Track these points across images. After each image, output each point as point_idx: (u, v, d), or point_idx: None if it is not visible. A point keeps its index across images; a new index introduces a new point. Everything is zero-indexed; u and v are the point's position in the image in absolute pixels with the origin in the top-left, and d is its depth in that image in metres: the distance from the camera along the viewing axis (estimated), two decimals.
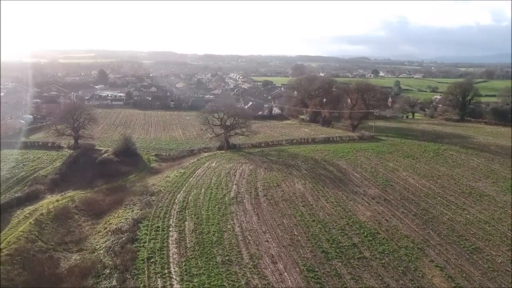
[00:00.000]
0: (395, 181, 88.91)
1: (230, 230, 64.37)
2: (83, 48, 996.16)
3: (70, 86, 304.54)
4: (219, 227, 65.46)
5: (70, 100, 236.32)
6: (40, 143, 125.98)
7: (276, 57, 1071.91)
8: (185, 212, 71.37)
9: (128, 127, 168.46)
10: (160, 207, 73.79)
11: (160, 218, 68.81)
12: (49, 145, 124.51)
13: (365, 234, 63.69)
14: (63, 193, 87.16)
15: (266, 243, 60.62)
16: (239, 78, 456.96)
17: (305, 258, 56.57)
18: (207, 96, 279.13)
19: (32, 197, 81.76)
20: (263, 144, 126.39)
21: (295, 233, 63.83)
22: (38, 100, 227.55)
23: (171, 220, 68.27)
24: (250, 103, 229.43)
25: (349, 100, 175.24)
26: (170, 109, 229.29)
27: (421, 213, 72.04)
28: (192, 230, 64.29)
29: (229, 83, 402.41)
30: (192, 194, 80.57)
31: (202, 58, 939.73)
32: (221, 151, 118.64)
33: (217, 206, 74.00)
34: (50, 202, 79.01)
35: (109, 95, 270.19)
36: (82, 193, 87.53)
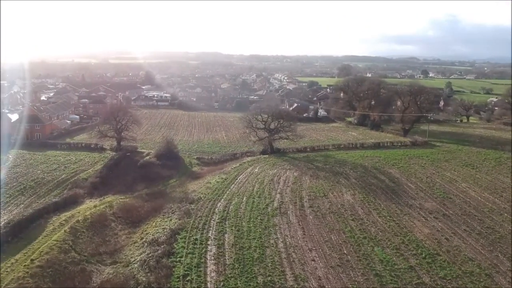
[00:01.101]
0: (454, 193, 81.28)
1: (273, 246, 59.36)
2: (134, 49, 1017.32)
3: (118, 86, 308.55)
4: (261, 241, 60.57)
5: (116, 100, 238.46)
6: (83, 145, 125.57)
7: (322, 57, 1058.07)
8: (225, 223, 66.97)
9: (172, 129, 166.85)
10: (199, 217, 69.74)
11: (199, 230, 64.69)
12: (92, 146, 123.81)
13: (423, 255, 57.05)
14: (102, 198, 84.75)
15: (313, 262, 55.18)
16: (284, 78, 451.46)
17: (356, 282, 50.78)
18: (252, 97, 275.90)
19: (70, 202, 79.62)
20: (308, 149, 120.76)
21: (345, 251, 58.04)
22: (86, 100, 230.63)
23: (210, 232, 64.01)
24: (295, 104, 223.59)
25: (398, 102, 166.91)
26: (214, 110, 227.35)
27: (486, 232, 64.51)
28: (232, 244, 59.73)
29: (274, 83, 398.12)
30: (233, 203, 76.17)
31: (248, 58, 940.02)
32: (265, 156, 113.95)
33: (259, 217, 69.20)
34: (87, 207, 76.62)
35: (155, 95, 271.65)
36: (121, 198, 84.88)
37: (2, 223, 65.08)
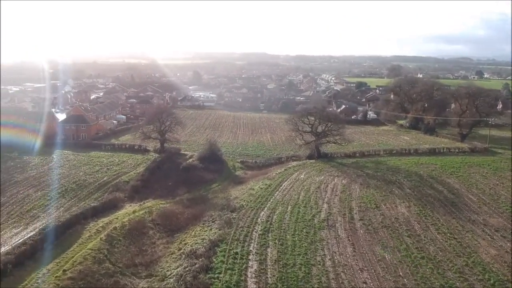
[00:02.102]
0: None
1: (319, 264, 54.18)
2: (181, 50, 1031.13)
3: (165, 86, 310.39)
4: (306, 258, 55.50)
5: (163, 101, 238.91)
6: (127, 146, 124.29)
7: (370, 57, 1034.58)
8: (268, 236, 62.33)
9: (216, 130, 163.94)
10: (240, 227, 65.47)
11: (240, 242, 60.36)
12: (135, 148, 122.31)
13: (492, 281, 50.31)
14: (142, 202, 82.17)
15: (364, 285, 49.65)
16: (331, 79, 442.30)
17: None
18: (298, 98, 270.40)
19: (109, 207, 77.39)
20: (357, 154, 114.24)
21: (400, 273, 52.07)
22: (134, 100, 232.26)
23: (252, 245, 59.54)
24: (343, 106, 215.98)
25: (452, 104, 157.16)
26: (259, 111, 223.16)
27: None
28: (275, 260, 54.98)
29: (321, 84, 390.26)
30: (277, 212, 71.43)
31: (294, 59, 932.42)
32: (311, 161, 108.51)
33: (304, 230, 64.14)
34: (126, 213, 74.02)
35: (201, 96, 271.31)
36: (162, 203, 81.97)
37: (38, 229, 63.19)
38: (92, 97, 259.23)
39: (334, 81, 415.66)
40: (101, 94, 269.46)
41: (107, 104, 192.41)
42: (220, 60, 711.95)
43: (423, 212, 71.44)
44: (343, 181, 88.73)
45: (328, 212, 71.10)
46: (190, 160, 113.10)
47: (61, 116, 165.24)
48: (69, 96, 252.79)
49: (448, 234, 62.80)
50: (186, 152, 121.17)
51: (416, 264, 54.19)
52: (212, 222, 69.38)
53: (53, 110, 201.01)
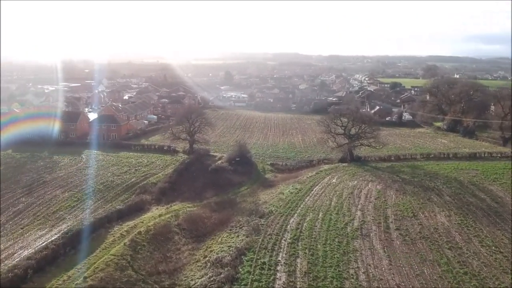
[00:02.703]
0: None
1: (352, 278, 50.57)
2: (215, 50, 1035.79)
3: (197, 86, 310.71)
4: (338, 271, 51.97)
5: (194, 101, 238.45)
6: (156, 146, 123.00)
7: (404, 57, 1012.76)
8: (297, 245, 59.03)
9: (247, 131, 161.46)
10: (269, 235, 62.41)
11: (268, 251, 57.29)
12: (164, 148, 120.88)
13: None
14: (169, 205, 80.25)
15: None
16: (364, 79, 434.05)
17: None
18: (330, 98, 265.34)
19: (135, 209, 75.70)
20: (393, 158, 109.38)
21: None
22: (166, 100, 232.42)
23: (281, 254, 56.36)
24: (377, 107, 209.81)
25: (493, 106, 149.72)
26: (291, 112, 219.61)
27: None
28: (305, 272, 51.66)
29: (354, 84, 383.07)
30: (308, 219, 68.01)
31: (327, 59, 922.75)
32: (344, 164, 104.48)
33: (337, 239, 60.54)
34: (152, 216, 72.08)
35: (233, 96, 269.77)
36: (189, 207, 79.83)
37: (62, 232, 61.83)
38: (125, 97, 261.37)
39: (368, 81, 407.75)
40: (134, 93, 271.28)
41: (138, 104, 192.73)
42: (252, 60, 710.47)
43: (465, 222, 66.67)
44: (377, 186, 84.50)
45: (362, 220, 67.23)
46: (219, 162, 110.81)
47: (93, 116, 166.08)
48: (102, 96, 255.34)
49: (493, 248, 58.06)
50: (215, 154, 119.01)
51: (458, 280, 49.93)
52: (240, 228, 66.57)
53: (86, 109, 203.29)
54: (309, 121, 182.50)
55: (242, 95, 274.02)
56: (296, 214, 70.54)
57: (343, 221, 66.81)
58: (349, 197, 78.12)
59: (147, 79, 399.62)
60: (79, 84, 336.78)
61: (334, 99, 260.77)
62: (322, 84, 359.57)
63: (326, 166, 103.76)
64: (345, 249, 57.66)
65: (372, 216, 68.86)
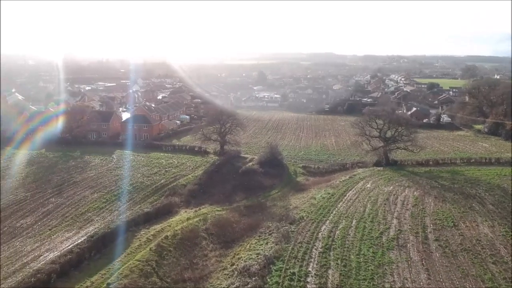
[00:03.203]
0: None
1: None
2: (249, 50, 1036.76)
3: (230, 86, 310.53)
4: (373, 284, 48.82)
5: (227, 101, 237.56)
6: (187, 147, 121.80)
7: (442, 57, 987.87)
8: (329, 254, 56.04)
9: (279, 132, 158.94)
10: (299, 243, 59.65)
11: (298, 260, 54.57)
12: (195, 149, 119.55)
13: None
14: (197, 208, 78.54)
15: None
16: (400, 80, 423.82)
17: None
18: (365, 99, 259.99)
19: (163, 212, 74.24)
20: (431, 162, 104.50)
21: None
22: (198, 100, 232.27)
23: (311, 265, 53.55)
24: (414, 108, 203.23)
25: None
26: (324, 113, 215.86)
27: None
28: (337, 285, 48.76)
29: (389, 85, 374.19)
30: (341, 227, 64.88)
31: (362, 59, 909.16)
32: (379, 168, 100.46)
33: (371, 250, 57.22)
34: (180, 220, 70.45)
35: (265, 96, 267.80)
36: (218, 210, 77.87)
37: (88, 234, 60.87)
38: (159, 96, 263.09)
39: (404, 81, 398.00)
40: (168, 93, 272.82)
41: (171, 104, 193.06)
42: (286, 61, 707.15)
43: (510, 233, 62.13)
44: (415, 193, 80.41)
45: (398, 229, 63.61)
46: (250, 163, 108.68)
47: (125, 115, 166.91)
48: (136, 95, 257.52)
49: None
50: (246, 155, 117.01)
51: None
52: (269, 234, 64.04)
53: (120, 109, 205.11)
54: (342, 123, 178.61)
55: (275, 95, 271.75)
56: (328, 221, 67.50)
57: (378, 230, 63.38)
58: (385, 204, 74.48)
59: (181, 79, 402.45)
60: (115, 84, 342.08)
61: (368, 100, 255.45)
62: (356, 84, 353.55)
63: (360, 170, 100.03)
64: (380, 260, 54.34)
65: (409, 225, 65.11)
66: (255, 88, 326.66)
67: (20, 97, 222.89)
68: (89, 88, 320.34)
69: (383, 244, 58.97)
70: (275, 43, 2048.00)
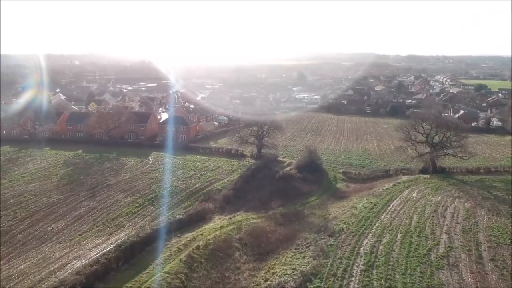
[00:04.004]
0: None
1: None
2: (289, 50, 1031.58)
3: (269, 87, 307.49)
4: None
5: (266, 102, 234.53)
6: (224, 150, 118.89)
7: (490, 57, 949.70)
8: (372, 273, 51.31)
9: (318, 135, 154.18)
10: (339, 258, 55.18)
11: (337, 279, 50.18)
12: (232, 152, 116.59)
13: None
14: (232, 215, 75.23)
15: None
16: (446, 81, 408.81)
17: None
18: (409, 101, 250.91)
19: (196, 219, 71.34)
20: (482, 170, 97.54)
21: None
22: (238, 100, 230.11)
23: (352, 284, 49.01)
24: (461, 111, 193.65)
25: None
26: (366, 115, 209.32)
27: None
28: None
29: (434, 86, 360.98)
30: (384, 241, 59.92)
31: (405, 59, 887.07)
32: (425, 176, 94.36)
33: (418, 269, 52.05)
34: (213, 228, 67.31)
35: (305, 97, 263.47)
36: (253, 218, 74.33)
37: (116, 243, 58.49)
38: (199, 97, 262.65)
39: (449, 83, 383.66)
40: (207, 94, 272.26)
41: (210, 105, 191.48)
42: (326, 61, 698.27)
43: None
44: (465, 204, 74.31)
45: (449, 246, 58.08)
46: (287, 168, 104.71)
47: (164, 116, 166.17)
48: (176, 96, 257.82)
49: None
50: (283, 159, 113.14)
51: None
52: (306, 247, 59.88)
53: (160, 109, 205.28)
54: (385, 126, 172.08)
55: (315, 96, 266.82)
56: (370, 234, 62.65)
57: (426, 246, 58.06)
58: (433, 216, 68.88)
59: (221, 79, 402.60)
60: (156, 84, 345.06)
61: (413, 101, 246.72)
62: (399, 85, 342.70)
63: (405, 178, 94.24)
64: (428, 281, 49.19)
65: (461, 241, 59.45)
66: (294, 89, 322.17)
67: (62, 97, 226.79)
68: (131, 88, 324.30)
69: (431, 262, 53.69)
70: (315, 43, 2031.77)
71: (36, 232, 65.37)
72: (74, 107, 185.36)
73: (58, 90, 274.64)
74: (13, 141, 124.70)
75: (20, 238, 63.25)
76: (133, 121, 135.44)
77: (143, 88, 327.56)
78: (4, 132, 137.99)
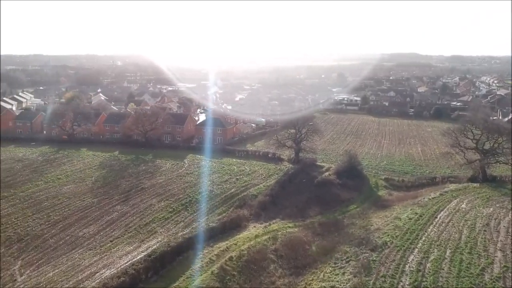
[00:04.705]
0: None
1: None
2: (328, 51, 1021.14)
3: (308, 88, 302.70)
4: None
5: (304, 103, 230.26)
6: (260, 153, 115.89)
7: None
8: None
9: (358, 138, 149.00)
10: (382, 276, 51.02)
11: None
12: (269, 156, 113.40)
13: None
14: (267, 224, 72.09)
15: None
16: (492, 82, 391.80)
17: None
18: (454, 103, 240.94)
19: (230, 227, 68.52)
20: None
21: None
22: (276, 102, 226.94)
23: None
24: (511, 115, 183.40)
25: None
26: (408, 117, 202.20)
27: None
28: None
29: (481, 88, 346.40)
30: (432, 258, 55.19)
31: (449, 59, 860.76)
32: (474, 185, 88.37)
33: None
34: (248, 237, 64.32)
35: (345, 98, 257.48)
36: (290, 226, 70.96)
37: (147, 252, 56.30)
38: (237, 98, 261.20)
39: (497, 84, 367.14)
40: (245, 95, 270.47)
41: (247, 106, 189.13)
42: (367, 62, 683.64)
43: None
44: None
45: (504, 266, 52.79)
46: (326, 173, 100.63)
47: (201, 117, 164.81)
48: (215, 97, 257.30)
49: None
50: (322, 164, 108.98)
51: None
52: (346, 262, 55.94)
53: (198, 110, 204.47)
54: (429, 129, 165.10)
55: (355, 97, 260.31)
56: (416, 249, 58.02)
57: (479, 265, 53.02)
58: (485, 230, 63.51)
59: (259, 80, 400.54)
60: (195, 85, 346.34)
61: (458, 104, 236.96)
62: (443, 87, 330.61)
63: (452, 186, 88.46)
64: None
65: None
66: (334, 90, 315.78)
67: (103, 97, 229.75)
68: (171, 88, 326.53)
69: (485, 284, 48.78)
70: (355, 43, 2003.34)
71: (68, 237, 64.16)
72: (114, 108, 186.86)
73: (99, 90, 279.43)
74: (53, 142, 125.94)
75: (51, 243, 62.13)
76: (170, 123, 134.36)
77: (182, 89, 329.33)
78: (45, 132, 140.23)
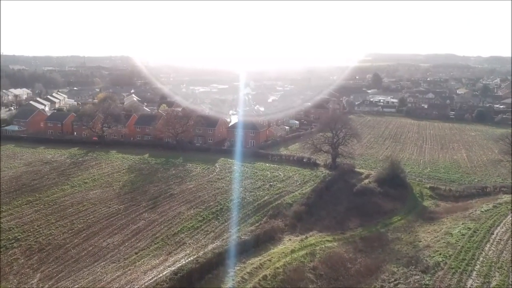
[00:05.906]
0: None
1: None
2: (363, 51, 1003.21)
3: (342, 89, 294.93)
4: None
5: (339, 105, 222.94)
6: (295, 158, 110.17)
7: None
8: None
9: (398, 142, 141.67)
10: None
11: None
12: (304, 161, 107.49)
13: None
14: (304, 237, 66.43)
15: None
16: None
17: None
18: (496, 105, 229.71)
19: (264, 239, 63.26)
20: None
21: None
22: (309, 103, 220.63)
23: None
24: None
25: None
26: (449, 120, 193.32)
27: None
28: None
29: None
30: (494, 283, 48.50)
31: (487, 60, 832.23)
32: None
33: None
34: (283, 252, 58.95)
35: (381, 100, 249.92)
36: (328, 240, 65.18)
37: (171, 269, 51.49)
38: (269, 99, 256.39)
39: None
40: (278, 96, 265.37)
41: (280, 108, 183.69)
42: (402, 62, 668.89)
43: None
44: None
45: None
46: (366, 181, 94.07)
47: (233, 119, 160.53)
48: (247, 98, 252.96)
49: None
50: (360, 170, 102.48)
51: None
52: (395, 285, 49.84)
53: (230, 112, 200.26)
54: (473, 133, 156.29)
55: (391, 99, 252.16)
56: (474, 272, 51.35)
57: None
58: None
59: (292, 81, 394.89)
60: (227, 86, 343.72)
61: (501, 106, 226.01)
62: (484, 88, 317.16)
63: (506, 197, 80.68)
64: None
65: None
66: (369, 91, 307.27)
67: (135, 98, 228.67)
68: (203, 90, 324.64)
69: None
70: (390, 44, 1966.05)
71: (91, 248, 60.16)
72: (146, 109, 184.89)
73: (132, 91, 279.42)
74: (83, 143, 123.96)
75: (73, 254, 58.23)
76: (201, 125, 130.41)
77: (215, 90, 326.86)
78: (75, 133, 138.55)
